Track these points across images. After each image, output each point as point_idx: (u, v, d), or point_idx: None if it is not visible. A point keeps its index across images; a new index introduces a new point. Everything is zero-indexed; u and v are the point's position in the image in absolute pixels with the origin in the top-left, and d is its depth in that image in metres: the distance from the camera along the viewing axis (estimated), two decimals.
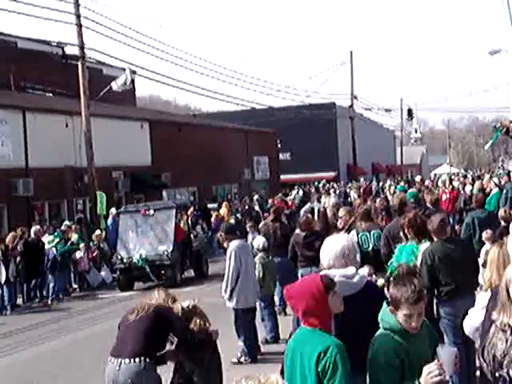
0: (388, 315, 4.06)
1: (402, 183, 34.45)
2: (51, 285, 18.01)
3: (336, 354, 3.88)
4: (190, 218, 22.44)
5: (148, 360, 5.90)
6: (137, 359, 5.87)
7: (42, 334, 13.82)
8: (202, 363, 6.08)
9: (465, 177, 42.58)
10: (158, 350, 6.14)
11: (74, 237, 19.63)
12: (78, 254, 19.21)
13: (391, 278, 4.38)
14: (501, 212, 11.52)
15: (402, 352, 3.95)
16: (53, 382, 10.22)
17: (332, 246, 5.06)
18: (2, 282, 16.49)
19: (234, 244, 10.12)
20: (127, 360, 5.89)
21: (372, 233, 9.59)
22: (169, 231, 18.98)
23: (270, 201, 30.59)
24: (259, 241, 11.57)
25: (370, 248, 9.44)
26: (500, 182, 23.79)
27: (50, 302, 17.70)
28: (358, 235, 9.65)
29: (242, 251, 10.10)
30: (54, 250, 18.16)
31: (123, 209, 20.89)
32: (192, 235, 20.71)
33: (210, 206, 30.16)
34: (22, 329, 14.52)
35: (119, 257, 18.79)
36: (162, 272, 18.57)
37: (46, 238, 18.57)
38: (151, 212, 19.21)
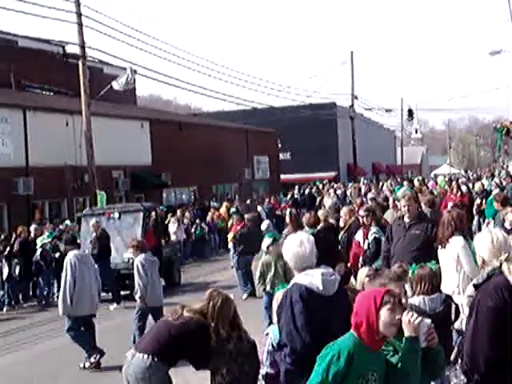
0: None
1: (405, 183, 34.32)
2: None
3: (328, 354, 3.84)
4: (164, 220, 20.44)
5: (156, 359, 5.90)
6: (145, 355, 5.93)
7: (42, 332, 13.78)
8: (231, 372, 5.68)
9: (468, 178, 42.57)
10: (173, 354, 6.04)
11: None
12: None
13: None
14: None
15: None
16: (52, 382, 10.20)
17: (295, 246, 4.93)
18: (4, 279, 16.49)
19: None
20: (138, 354, 5.99)
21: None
22: (135, 237, 16.60)
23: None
24: (267, 242, 11.47)
25: None
26: (502, 183, 23.80)
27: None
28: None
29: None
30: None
31: (88, 210, 19.28)
32: (163, 241, 18.58)
33: (212, 204, 30.09)
34: (21, 328, 14.48)
35: None
36: (127, 282, 16.24)
37: (39, 238, 18.21)
38: (116, 215, 17.71)
